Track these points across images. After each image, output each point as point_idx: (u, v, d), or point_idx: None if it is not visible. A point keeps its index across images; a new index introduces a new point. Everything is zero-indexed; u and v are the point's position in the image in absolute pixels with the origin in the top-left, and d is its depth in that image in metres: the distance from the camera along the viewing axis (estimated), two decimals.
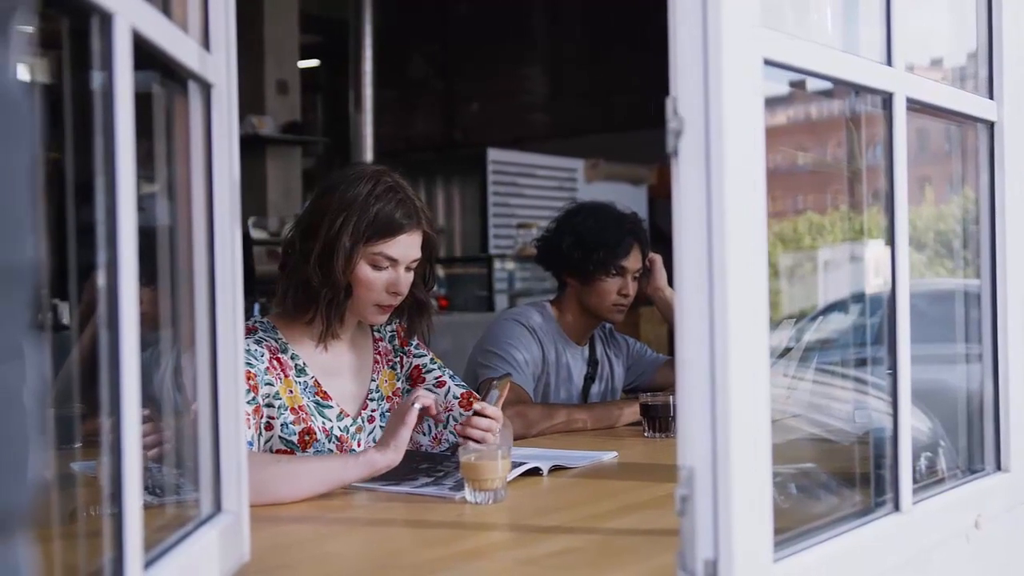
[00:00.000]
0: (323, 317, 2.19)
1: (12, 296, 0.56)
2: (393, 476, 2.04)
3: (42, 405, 0.60)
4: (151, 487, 1.33)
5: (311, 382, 2.22)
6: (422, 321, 2.34)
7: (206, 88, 1.35)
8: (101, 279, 1.01)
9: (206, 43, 1.35)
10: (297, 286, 2.19)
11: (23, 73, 0.59)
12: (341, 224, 2.14)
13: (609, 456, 2.35)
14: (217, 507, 1.37)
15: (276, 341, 2.21)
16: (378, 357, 2.37)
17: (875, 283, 1.99)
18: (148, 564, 1.09)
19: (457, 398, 2.34)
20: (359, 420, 2.28)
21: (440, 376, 2.38)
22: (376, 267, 2.18)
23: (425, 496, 1.92)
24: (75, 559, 1.19)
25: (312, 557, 1.60)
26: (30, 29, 0.61)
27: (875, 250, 1.91)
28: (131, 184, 1.02)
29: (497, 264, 7.48)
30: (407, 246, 2.20)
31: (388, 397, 2.35)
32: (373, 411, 2.32)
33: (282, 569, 1.51)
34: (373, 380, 2.34)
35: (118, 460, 1.01)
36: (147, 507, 1.08)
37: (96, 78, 1.02)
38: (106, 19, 0.99)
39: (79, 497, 1.38)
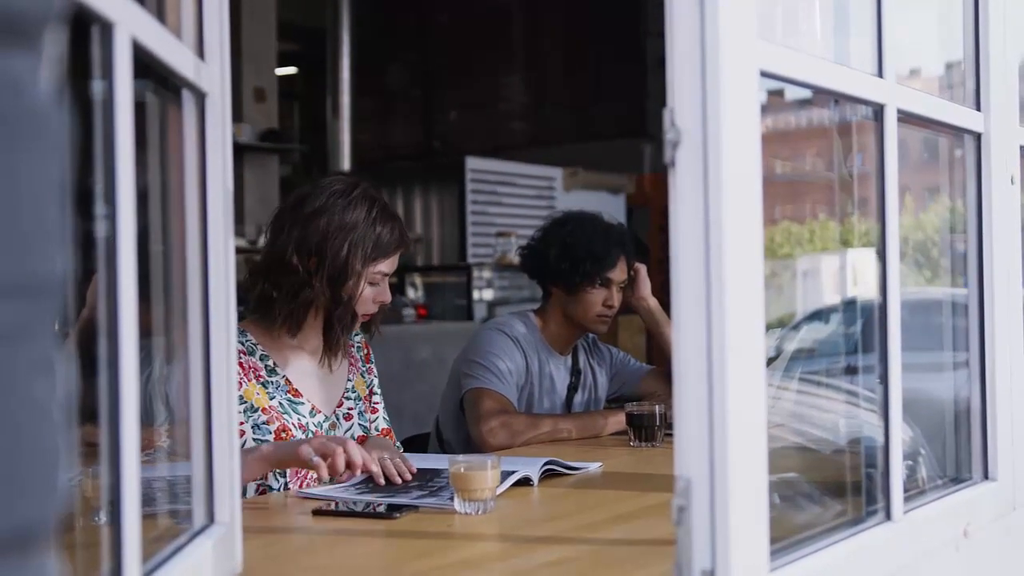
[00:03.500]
0: (336, 335, 2.30)
1: (43, 309, 0.56)
2: (386, 490, 2.03)
3: (70, 418, 0.60)
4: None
5: (282, 381, 2.28)
6: (378, 317, 2.42)
7: (200, 97, 1.34)
8: (101, 289, 1.00)
9: (200, 52, 1.35)
10: (303, 306, 2.26)
11: (54, 84, 0.59)
12: (348, 250, 2.23)
13: (595, 467, 2.35)
14: (210, 519, 1.36)
15: (243, 344, 2.23)
16: (352, 360, 2.46)
17: (855, 292, 2.01)
18: None
19: (378, 431, 2.44)
20: (333, 417, 2.36)
21: (378, 403, 2.51)
22: (373, 284, 2.30)
23: (423, 507, 1.90)
24: (68, 571, 1.18)
25: (303, 569, 1.59)
26: (62, 39, 0.60)
27: (854, 259, 1.92)
28: (130, 194, 1.02)
29: (476, 273, 7.47)
30: (396, 260, 2.34)
31: (364, 398, 2.45)
32: (350, 409, 2.40)
33: None
34: (349, 380, 2.43)
35: (117, 472, 1.00)
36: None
37: (95, 86, 1.01)
38: (107, 28, 0.98)
39: (73, 508, 1.36)
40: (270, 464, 2.02)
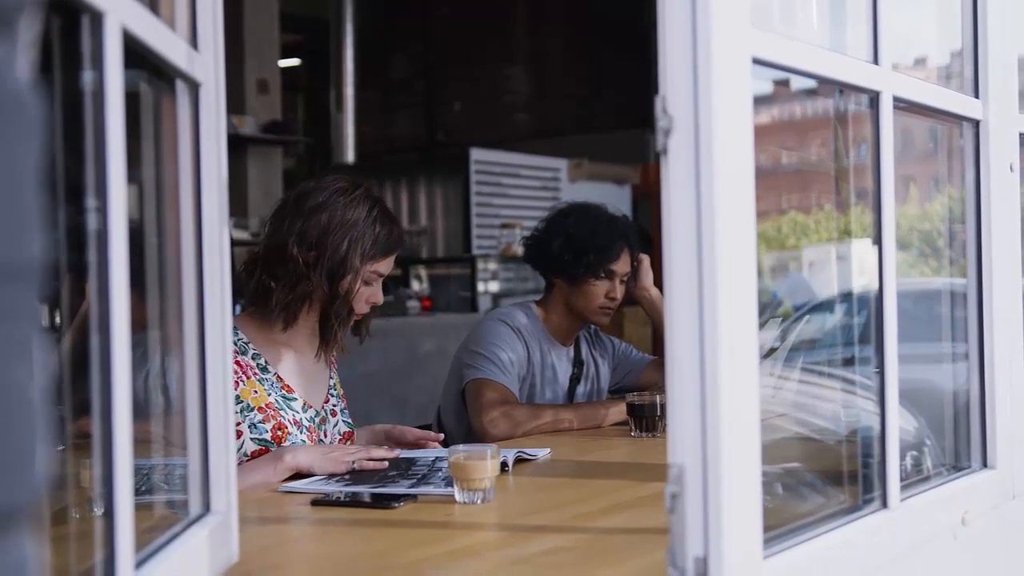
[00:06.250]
0: (333, 332, 2.31)
1: (19, 291, 0.57)
2: (368, 481, 2.02)
3: (48, 400, 0.60)
4: (137, 487, 1.33)
5: (274, 378, 2.30)
6: (370, 316, 2.43)
7: (194, 87, 1.34)
8: (91, 281, 1.00)
9: (194, 42, 1.35)
10: (299, 298, 2.27)
11: (30, 71, 0.59)
12: (348, 246, 2.26)
13: (543, 453, 2.36)
14: (206, 507, 1.37)
15: (235, 343, 2.24)
16: (333, 360, 2.48)
17: (860, 282, 2.01)
18: (138, 565, 1.09)
19: (340, 435, 2.44)
20: (323, 412, 2.39)
21: (340, 406, 2.50)
22: (367, 283, 2.32)
23: (421, 497, 1.90)
24: (64, 560, 1.19)
25: (301, 557, 1.60)
26: (37, 26, 0.61)
27: (859, 250, 1.92)
28: (122, 185, 1.02)
29: (480, 264, 7.47)
30: (392, 262, 2.37)
31: (342, 396, 2.49)
32: (334, 406, 2.44)
33: (270, 569, 1.51)
34: (331, 378, 2.46)
35: (109, 461, 1.00)
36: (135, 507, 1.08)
37: (85, 77, 1.01)
38: (97, 18, 0.98)
39: (66, 499, 1.37)
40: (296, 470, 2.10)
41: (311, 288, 2.26)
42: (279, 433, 2.23)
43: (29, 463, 0.56)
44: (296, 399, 2.31)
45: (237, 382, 2.20)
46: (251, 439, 2.21)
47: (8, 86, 0.55)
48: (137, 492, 1.14)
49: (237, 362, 2.23)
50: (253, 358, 2.28)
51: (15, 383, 0.55)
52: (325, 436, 2.37)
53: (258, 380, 2.26)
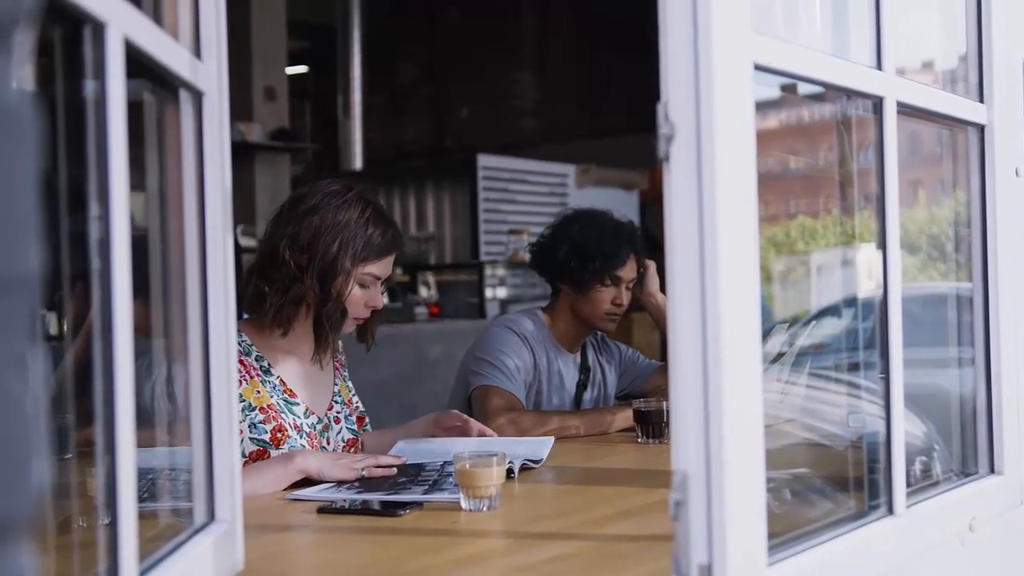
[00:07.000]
0: (326, 334, 2.31)
1: (16, 304, 0.57)
2: (377, 488, 2.02)
3: (44, 412, 0.60)
4: (142, 495, 1.33)
5: (277, 381, 2.30)
6: (376, 322, 2.42)
7: (197, 96, 1.35)
8: (94, 289, 1.01)
9: (197, 51, 1.35)
10: (293, 302, 2.27)
11: (26, 82, 0.59)
12: (339, 247, 2.25)
13: (547, 447, 2.37)
14: (211, 516, 1.37)
15: (239, 345, 2.25)
16: (337, 365, 2.48)
17: (867, 287, 2.00)
18: (142, 573, 1.09)
19: (343, 442, 2.43)
20: (325, 419, 2.38)
21: (344, 413, 2.48)
22: (363, 286, 2.31)
23: (428, 504, 1.90)
24: (68, 569, 1.19)
25: (306, 566, 1.60)
26: (32, 38, 0.61)
27: (867, 254, 1.92)
28: (124, 193, 1.02)
29: (488, 270, 7.46)
30: (390, 265, 2.35)
31: (347, 402, 2.47)
32: (338, 413, 2.43)
33: None
34: (335, 384, 2.45)
35: (113, 471, 1.00)
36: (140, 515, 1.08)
37: (88, 86, 1.02)
38: (99, 28, 0.99)
39: (72, 508, 1.37)
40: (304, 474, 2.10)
41: (303, 291, 2.26)
42: (278, 435, 2.23)
43: (25, 475, 0.57)
44: (298, 404, 2.31)
45: (240, 381, 2.20)
46: (250, 439, 2.21)
47: (4, 98, 0.55)
48: (141, 499, 1.14)
49: (241, 362, 2.23)
50: (256, 360, 2.28)
51: (11, 395, 0.55)
52: (328, 443, 2.36)
53: (261, 381, 2.26)
